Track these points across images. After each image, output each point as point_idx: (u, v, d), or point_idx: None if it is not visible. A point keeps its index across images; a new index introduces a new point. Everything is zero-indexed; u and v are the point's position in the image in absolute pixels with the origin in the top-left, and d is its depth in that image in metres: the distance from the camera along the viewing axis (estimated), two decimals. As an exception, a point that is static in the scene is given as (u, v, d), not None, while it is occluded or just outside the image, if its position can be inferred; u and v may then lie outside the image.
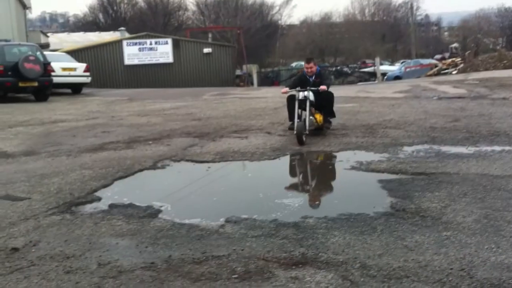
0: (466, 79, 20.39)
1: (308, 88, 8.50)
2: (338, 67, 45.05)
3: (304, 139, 7.99)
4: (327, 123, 9.02)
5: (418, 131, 8.88)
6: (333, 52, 65.76)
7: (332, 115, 9.16)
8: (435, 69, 31.93)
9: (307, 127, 8.17)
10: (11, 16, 29.20)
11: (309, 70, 8.94)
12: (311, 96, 8.42)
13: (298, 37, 67.12)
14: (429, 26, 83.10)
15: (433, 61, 38.32)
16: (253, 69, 38.89)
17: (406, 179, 5.94)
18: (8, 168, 7.13)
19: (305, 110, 8.38)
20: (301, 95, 8.36)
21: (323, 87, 8.57)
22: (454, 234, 4.21)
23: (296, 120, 8.23)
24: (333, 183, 6.23)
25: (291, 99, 8.61)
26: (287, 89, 8.91)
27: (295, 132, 8.03)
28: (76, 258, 4.00)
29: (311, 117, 8.47)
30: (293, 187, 6.29)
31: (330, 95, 8.96)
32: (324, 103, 8.86)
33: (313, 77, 8.91)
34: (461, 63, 30.88)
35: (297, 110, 8.34)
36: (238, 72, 39.88)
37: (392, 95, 15.76)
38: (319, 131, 8.89)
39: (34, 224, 4.80)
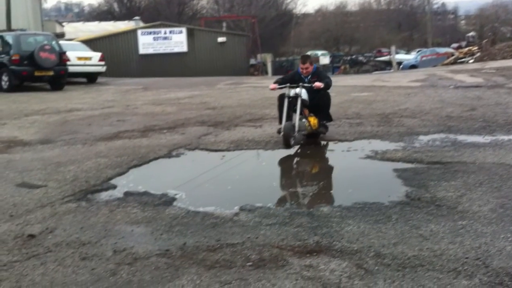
0: (483, 68, 20.14)
1: (300, 84, 7.24)
2: (353, 56, 44.76)
3: (292, 142, 6.98)
4: (322, 128, 7.58)
5: (434, 120, 8.81)
6: (348, 41, 65.23)
7: (329, 118, 7.72)
8: (452, 58, 31.56)
9: (296, 128, 7.03)
10: (26, 6, 29.40)
11: (304, 71, 7.49)
12: (303, 94, 7.16)
13: (313, 26, 66.69)
14: (446, 15, 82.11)
15: (450, 50, 37.88)
16: (268, 58, 38.81)
17: (422, 168, 5.90)
18: (24, 156, 7.20)
19: (295, 111, 7.16)
20: (292, 92, 7.13)
21: (318, 84, 7.16)
22: (470, 223, 4.18)
23: (284, 119, 7.09)
24: (348, 172, 6.20)
25: (282, 98, 7.32)
26: (276, 85, 7.52)
27: (281, 132, 6.97)
28: (92, 245, 4.04)
29: (303, 120, 7.25)
30: (307, 176, 6.28)
31: (327, 96, 7.56)
32: (320, 104, 7.46)
33: (309, 77, 7.47)
34: (478, 52, 30.49)
35: (286, 110, 7.10)
36: (252, 61, 39.80)
37: (408, 84, 15.63)
38: (312, 138, 7.60)
39: (50, 211, 4.85)
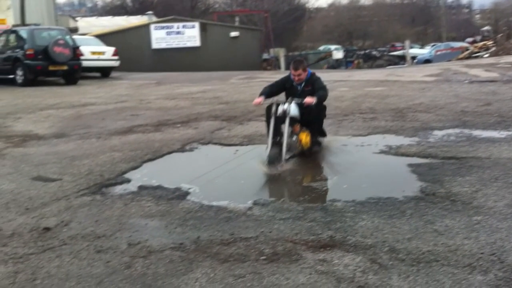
0: (498, 62, 19.94)
1: (289, 99, 6.14)
2: (367, 51, 44.50)
3: (277, 169, 5.77)
4: (315, 146, 6.49)
5: (449, 115, 8.74)
6: (362, 36, 64.87)
7: (322, 133, 6.67)
8: (466, 53, 31.30)
9: (283, 156, 5.88)
10: (40, 1, 29.54)
11: (296, 78, 6.34)
12: (292, 110, 6.03)
13: (326, 20, 66.41)
14: (460, 9, 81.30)
15: (464, 44, 37.53)
16: (280, 52, 38.67)
17: (436, 163, 5.87)
18: (39, 150, 7.26)
19: (281, 132, 6.07)
20: (280, 109, 5.99)
21: (309, 100, 5.97)
22: (485, 219, 4.15)
23: (269, 143, 5.95)
24: (362, 167, 6.18)
25: (270, 110, 6.16)
26: (261, 98, 6.30)
27: (265, 162, 5.77)
28: (106, 238, 4.07)
29: (293, 138, 6.23)
30: (320, 170, 6.27)
31: (321, 109, 6.45)
32: (312, 119, 6.34)
33: (303, 85, 6.38)
34: (492, 46, 30.20)
35: (272, 130, 6.00)
36: (265, 55, 39.74)
37: (422, 78, 15.52)
38: (304, 156, 6.44)
39: (65, 205, 4.90)
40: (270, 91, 6.40)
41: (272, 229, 4.14)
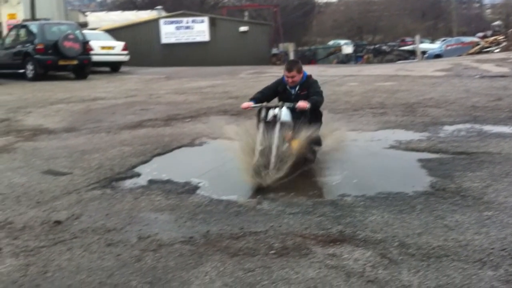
0: (509, 57, 19.78)
1: (281, 104, 5.49)
2: (377, 45, 44.28)
3: (265, 181, 5.06)
4: (310, 154, 5.74)
5: (459, 110, 8.69)
6: (372, 30, 64.52)
7: (318, 142, 5.83)
8: (477, 47, 31.09)
9: (272, 164, 5.17)
10: (51, -5, 29.62)
11: (290, 80, 5.68)
12: (284, 115, 5.38)
13: (335, 15, 66.11)
14: (471, 3, 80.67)
15: (475, 39, 37.26)
16: (290, 47, 38.55)
17: (447, 158, 5.84)
18: (50, 144, 7.30)
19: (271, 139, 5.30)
20: (270, 114, 5.40)
21: (302, 105, 5.33)
22: (496, 214, 4.13)
23: (257, 151, 5.24)
24: (372, 162, 6.16)
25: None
26: (251, 103, 5.68)
27: (251, 172, 5.12)
28: (117, 232, 4.09)
29: (284, 147, 5.41)
30: (330, 165, 6.25)
31: (316, 115, 5.72)
32: (308, 126, 5.47)
33: (297, 89, 5.72)
34: (503, 41, 29.97)
35: (261, 136, 5.30)
36: (274, 50, 39.65)
37: (432, 73, 15.43)
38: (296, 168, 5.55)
39: (76, 198, 4.93)
40: (261, 97, 5.71)
41: (281, 223, 4.15)
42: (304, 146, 5.44)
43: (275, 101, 5.82)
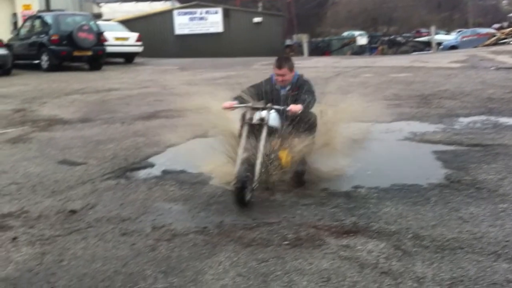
0: (526, 48, 19.56)
1: (269, 106, 4.65)
2: (392, 37, 43.93)
3: (248, 197, 4.33)
4: (300, 166, 4.86)
5: (475, 102, 8.62)
6: (387, 21, 64.02)
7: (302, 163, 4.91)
8: (493, 39, 30.71)
9: (256, 175, 4.38)
10: (65, -14, 29.72)
11: (280, 79, 4.91)
12: (272, 119, 4.60)
13: (350, 6, 65.60)
14: (488, -6, 79.74)
15: (491, 31, 36.82)
16: (304, 38, 38.39)
17: (462, 150, 5.80)
18: (65, 134, 7.36)
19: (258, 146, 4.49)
20: (256, 116, 4.56)
21: (294, 108, 4.56)
22: (511, 207, 4.10)
23: (239, 159, 4.42)
24: (386, 154, 6.12)
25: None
26: (233, 102, 4.85)
27: (233, 183, 4.27)
28: (131, 221, 4.12)
29: (271, 156, 4.58)
30: (344, 156, 6.22)
31: (310, 119, 4.83)
32: (299, 132, 4.70)
33: (287, 89, 4.92)
34: (521, 32, 29.60)
35: (244, 142, 4.53)
36: (288, 41, 39.50)
37: (447, 65, 15.29)
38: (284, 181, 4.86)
39: (91, 188, 4.96)
40: (245, 96, 4.88)
41: (295, 214, 4.15)
42: (295, 160, 4.68)
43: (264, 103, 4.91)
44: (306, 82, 4.99)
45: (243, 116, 4.67)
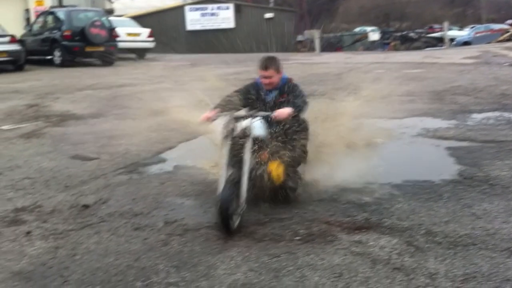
0: (540, 44, 19.36)
1: (253, 113, 4.16)
2: (404, 32, 43.66)
3: (234, 224, 3.76)
4: (291, 181, 4.32)
5: (488, 98, 8.55)
6: (399, 17, 63.64)
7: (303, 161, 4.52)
8: (507, 35, 30.46)
9: (242, 197, 3.84)
10: (78, -18, 29.83)
11: (266, 82, 4.38)
12: (257, 128, 4.06)
13: (362, 1, 65.24)
14: (501, -11, 78.99)
15: (505, 26, 36.47)
16: (315, 34, 38.27)
17: (475, 146, 5.76)
18: (77, 130, 7.40)
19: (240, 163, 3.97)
20: (238, 127, 4.03)
21: (282, 114, 4.04)
22: (525, 203, 4.07)
23: (222, 178, 3.91)
24: (398, 150, 6.10)
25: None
26: (214, 112, 4.30)
27: (217, 206, 3.72)
28: (143, 216, 4.14)
29: (259, 171, 4.04)
30: (356, 152, 6.20)
31: (301, 125, 4.38)
32: (290, 141, 4.24)
33: (274, 94, 4.40)
34: (534, 28, 29.31)
35: (227, 158, 4.02)
36: (299, 37, 39.39)
37: (461, 61, 15.18)
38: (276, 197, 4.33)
39: (103, 183, 4.99)
40: (227, 105, 4.37)
41: (307, 210, 4.15)
42: (286, 170, 4.16)
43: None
44: (296, 87, 4.42)
45: (225, 127, 4.08)
